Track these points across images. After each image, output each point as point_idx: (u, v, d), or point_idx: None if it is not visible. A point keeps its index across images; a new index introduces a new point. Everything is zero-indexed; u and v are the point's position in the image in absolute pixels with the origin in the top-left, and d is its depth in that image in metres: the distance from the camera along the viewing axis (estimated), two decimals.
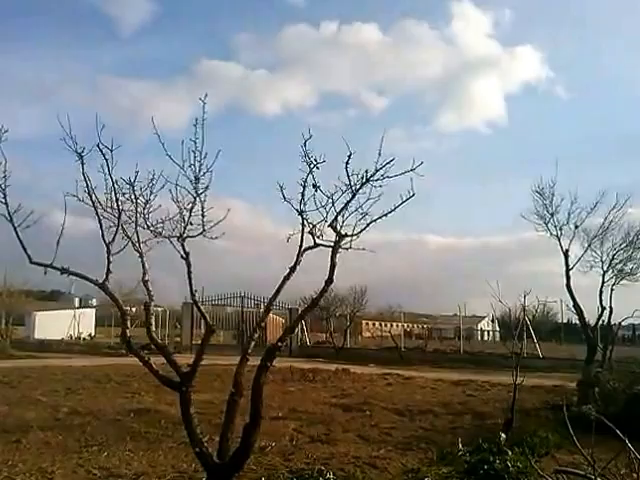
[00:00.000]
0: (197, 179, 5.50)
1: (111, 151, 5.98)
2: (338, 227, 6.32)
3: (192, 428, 5.62)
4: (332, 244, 6.41)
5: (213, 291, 32.29)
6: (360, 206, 6.22)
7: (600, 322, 16.38)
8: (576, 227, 14.95)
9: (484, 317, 58.12)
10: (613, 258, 15.54)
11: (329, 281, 6.12)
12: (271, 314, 34.16)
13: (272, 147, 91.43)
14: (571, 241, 15.06)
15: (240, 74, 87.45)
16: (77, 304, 46.28)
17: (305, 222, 6.32)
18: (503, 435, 9.16)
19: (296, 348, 30.52)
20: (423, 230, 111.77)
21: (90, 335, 40.69)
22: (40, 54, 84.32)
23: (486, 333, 55.42)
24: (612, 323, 16.34)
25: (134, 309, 38.47)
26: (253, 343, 6.33)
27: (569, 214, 15.02)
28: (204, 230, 5.81)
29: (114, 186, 5.99)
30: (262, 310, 32.97)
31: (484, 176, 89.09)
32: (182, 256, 5.84)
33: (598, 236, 15.43)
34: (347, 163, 5.78)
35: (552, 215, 15.06)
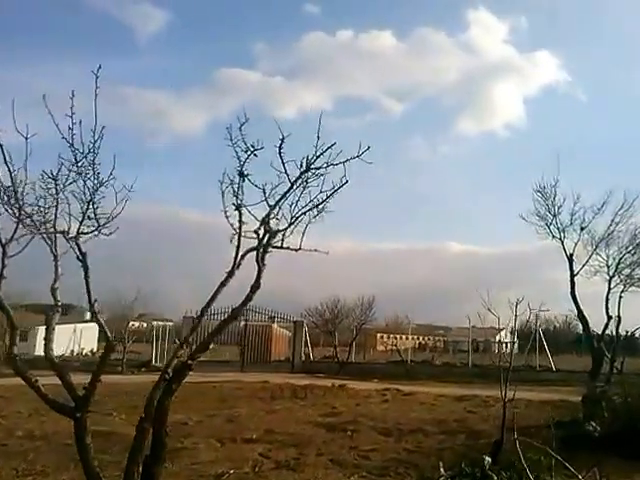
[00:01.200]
0: (77, 161, 4.65)
1: (26, 139, 5.22)
2: (276, 223, 5.46)
3: (88, 460, 4.75)
4: (280, 244, 5.58)
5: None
6: (312, 200, 5.37)
7: (612, 331, 15.26)
8: (582, 229, 13.89)
9: (503, 328, 56.50)
10: (619, 262, 14.36)
11: (255, 286, 5.23)
12: (276, 326, 33.34)
13: (290, 153, 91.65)
14: (576, 245, 14.02)
15: (258, 81, 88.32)
16: (88, 318, 45.60)
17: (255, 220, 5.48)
18: (488, 458, 8.23)
19: (299, 363, 29.56)
20: (445, 238, 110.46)
21: (92, 351, 40.04)
22: (57, 64, 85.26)
23: (504, 345, 53.75)
24: (621, 332, 15.18)
25: (137, 324, 37.52)
26: (175, 361, 5.36)
27: (572, 215, 13.98)
28: (99, 226, 4.94)
29: (12, 177, 5.20)
30: (268, 323, 32.20)
31: (504, 180, 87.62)
32: (78, 257, 4.98)
33: (605, 239, 14.28)
34: (280, 148, 4.91)
35: (554, 216, 14.01)
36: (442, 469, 8.14)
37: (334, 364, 28.51)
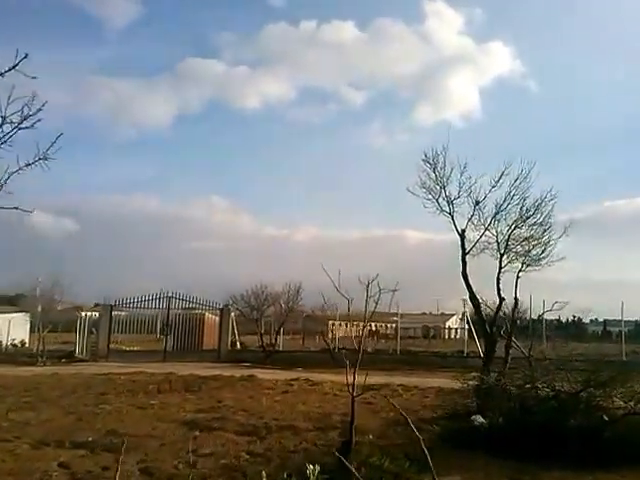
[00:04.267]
0: None
1: None
2: None
3: None
4: None
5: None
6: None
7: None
8: (477, 203, 12.58)
9: (452, 315, 56.04)
10: (509, 238, 13.01)
11: None
12: (209, 314, 31.83)
13: (254, 141, 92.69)
14: (469, 220, 12.71)
15: (222, 71, 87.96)
16: (39, 309, 43.65)
17: None
18: (311, 466, 6.85)
19: (225, 352, 28.16)
20: (403, 226, 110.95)
21: (22, 342, 38.17)
22: (21, 51, 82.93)
23: (453, 331, 53.23)
24: (520, 316, 13.94)
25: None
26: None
27: (460, 185, 12.64)
28: None
29: None
30: (200, 311, 30.64)
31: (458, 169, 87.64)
32: None
33: (500, 212, 12.92)
34: None
35: (443, 188, 12.69)
36: (264, 477, 6.78)
37: (262, 353, 27.14)
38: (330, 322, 57.22)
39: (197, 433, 9.72)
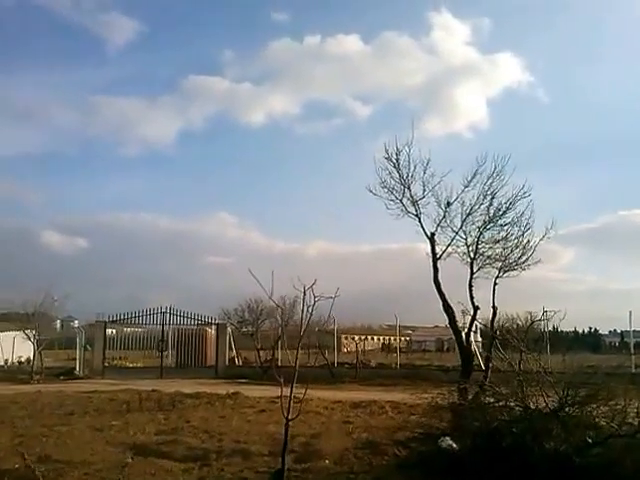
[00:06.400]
0: None
1: None
2: None
3: None
4: None
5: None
6: None
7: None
8: (448, 204, 11.60)
9: (465, 328, 54.53)
10: (479, 241, 11.94)
11: None
12: (210, 329, 31.14)
13: (260, 157, 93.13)
14: (439, 223, 11.71)
15: (226, 88, 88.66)
16: (59, 326, 43.47)
17: None
18: None
19: (223, 368, 27.33)
20: (416, 239, 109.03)
21: (28, 359, 37.92)
22: (26, 74, 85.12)
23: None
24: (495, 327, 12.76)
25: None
26: None
27: (424, 184, 11.63)
28: None
29: None
30: (202, 327, 29.91)
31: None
32: None
33: (471, 213, 11.86)
34: None
35: (408, 187, 11.69)
36: None
37: (259, 369, 26.26)
38: (343, 336, 56.13)
39: (130, 460, 8.80)
